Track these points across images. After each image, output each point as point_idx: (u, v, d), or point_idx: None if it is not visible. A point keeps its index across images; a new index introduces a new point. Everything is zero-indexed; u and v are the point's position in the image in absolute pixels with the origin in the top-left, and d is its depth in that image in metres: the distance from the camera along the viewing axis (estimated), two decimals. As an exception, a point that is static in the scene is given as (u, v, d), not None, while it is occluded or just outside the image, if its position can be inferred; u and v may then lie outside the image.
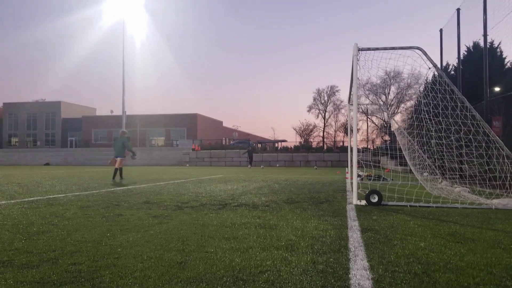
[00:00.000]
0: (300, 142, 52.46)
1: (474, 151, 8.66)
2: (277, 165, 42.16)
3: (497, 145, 7.43)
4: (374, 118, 53.29)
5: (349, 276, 2.90)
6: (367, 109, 51.71)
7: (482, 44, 13.13)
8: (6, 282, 2.74)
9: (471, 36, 14.93)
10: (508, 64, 16.24)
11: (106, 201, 7.56)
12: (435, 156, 9.97)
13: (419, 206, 6.99)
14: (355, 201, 7.35)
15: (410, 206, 7.00)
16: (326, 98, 63.62)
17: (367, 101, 50.48)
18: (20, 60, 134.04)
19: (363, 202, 7.26)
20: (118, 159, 14.62)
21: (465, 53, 17.10)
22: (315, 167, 37.42)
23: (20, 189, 10.45)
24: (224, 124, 79.31)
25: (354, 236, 4.32)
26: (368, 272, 2.98)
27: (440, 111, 8.22)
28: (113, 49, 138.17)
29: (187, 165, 44.13)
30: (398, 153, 10.03)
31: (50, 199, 7.90)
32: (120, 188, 10.82)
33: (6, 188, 10.58)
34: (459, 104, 7.88)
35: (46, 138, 70.52)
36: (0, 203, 7.29)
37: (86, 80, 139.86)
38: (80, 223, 5.09)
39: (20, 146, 68.68)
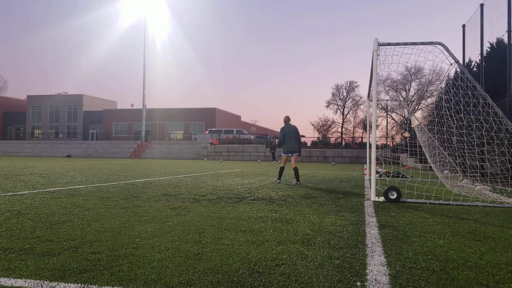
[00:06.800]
0: (318, 138, 52.12)
1: (496, 149, 8.49)
2: (295, 160, 41.94)
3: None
4: (394, 115, 52.67)
5: (366, 271, 2.88)
6: (387, 105, 51.11)
7: (506, 40, 12.81)
8: (28, 268, 2.82)
9: (495, 32, 14.60)
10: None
11: (126, 193, 7.68)
12: (456, 154, 9.80)
13: (439, 203, 6.89)
14: (373, 197, 7.29)
15: (429, 203, 6.91)
16: (345, 94, 63.13)
17: (387, 97, 49.94)
18: (45, 56, 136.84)
19: (381, 199, 7.19)
20: (294, 155, 10.84)
21: (488, 49, 16.70)
22: (332, 163, 37.19)
23: (42, 179, 10.68)
24: (242, 119, 79.39)
25: (372, 232, 4.29)
26: (385, 268, 2.96)
27: (462, 107, 8.07)
28: (134, 43, 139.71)
29: (205, 158, 44.37)
30: (418, 150, 9.88)
31: (71, 190, 8.06)
32: (139, 180, 10.96)
33: (28, 179, 10.83)
34: (481, 100, 7.72)
35: (68, 131, 71.78)
36: (23, 192, 7.47)
37: (108, 74, 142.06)
38: (100, 214, 5.19)
39: (42, 138, 70.09)
